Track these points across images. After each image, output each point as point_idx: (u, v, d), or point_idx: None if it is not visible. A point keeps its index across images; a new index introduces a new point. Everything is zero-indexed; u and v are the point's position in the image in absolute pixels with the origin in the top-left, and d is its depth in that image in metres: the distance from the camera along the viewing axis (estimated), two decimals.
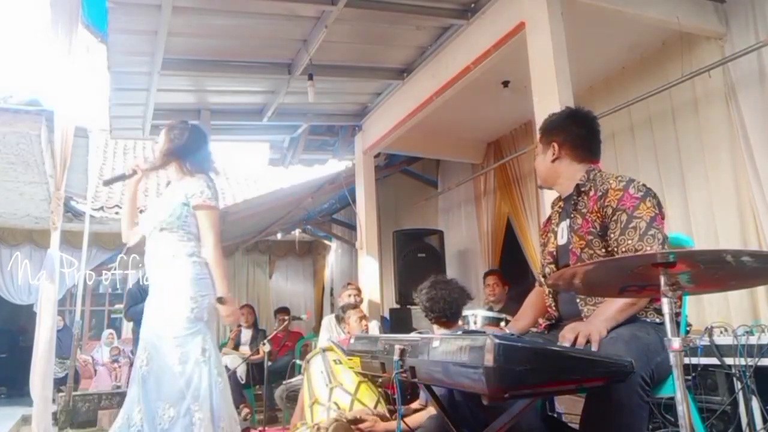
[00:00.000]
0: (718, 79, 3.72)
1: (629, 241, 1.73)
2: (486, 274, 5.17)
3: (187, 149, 2.67)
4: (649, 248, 1.68)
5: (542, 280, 2.11)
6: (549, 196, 2.43)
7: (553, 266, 2.01)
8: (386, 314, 5.75)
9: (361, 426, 2.60)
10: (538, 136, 2.13)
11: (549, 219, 2.15)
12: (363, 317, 4.03)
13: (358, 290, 4.80)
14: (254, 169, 10.64)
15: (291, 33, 3.98)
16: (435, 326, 2.82)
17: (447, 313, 2.69)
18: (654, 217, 1.73)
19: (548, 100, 3.05)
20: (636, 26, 3.74)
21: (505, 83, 4.62)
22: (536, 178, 2.21)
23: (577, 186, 1.93)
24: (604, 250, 1.81)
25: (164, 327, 2.45)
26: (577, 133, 2.00)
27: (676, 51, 4.01)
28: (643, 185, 1.81)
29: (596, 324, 1.65)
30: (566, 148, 1.99)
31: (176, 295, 2.47)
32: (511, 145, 5.75)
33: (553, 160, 2.00)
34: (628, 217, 1.75)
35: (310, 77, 4.09)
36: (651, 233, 1.71)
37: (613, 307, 1.70)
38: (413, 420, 2.44)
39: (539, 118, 3.00)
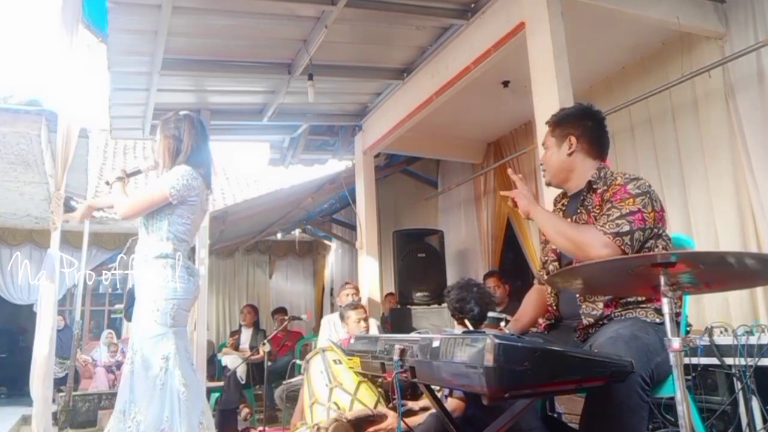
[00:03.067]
0: (717, 79, 3.72)
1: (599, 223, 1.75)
2: (485, 277, 5.16)
3: (190, 145, 2.58)
4: (608, 230, 1.68)
5: (542, 277, 2.11)
6: (550, 196, 2.42)
7: (556, 263, 2.01)
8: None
9: (381, 426, 2.59)
10: (549, 129, 2.07)
11: None
12: (364, 318, 4.01)
13: (356, 289, 4.79)
14: (254, 169, 10.63)
15: (291, 33, 3.97)
16: (458, 324, 2.87)
17: (476, 316, 2.78)
18: (633, 212, 1.71)
19: (548, 100, 3.04)
20: (636, 26, 3.74)
21: (505, 83, 4.62)
22: (536, 177, 2.20)
23: (589, 182, 1.91)
24: None
25: (137, 328, 2.46)
26: (591, 128, 1.98)
27: (676, 51, 4.02)
28: (644, 184, 1.78)
29: (534, 206, 1.87)
30: (583, 142, 1.95)
31: (144, 299, 2.47)
32: (511, 145, 5.75)
33: (570, 154, 1.96)
34: (611, 206, 1.76)
35: (310, 77, 4.09)
36: (618, 222, 1.70)
37: (555, 218, 1.88)
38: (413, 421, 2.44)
39: (539, 118, 3.00)
